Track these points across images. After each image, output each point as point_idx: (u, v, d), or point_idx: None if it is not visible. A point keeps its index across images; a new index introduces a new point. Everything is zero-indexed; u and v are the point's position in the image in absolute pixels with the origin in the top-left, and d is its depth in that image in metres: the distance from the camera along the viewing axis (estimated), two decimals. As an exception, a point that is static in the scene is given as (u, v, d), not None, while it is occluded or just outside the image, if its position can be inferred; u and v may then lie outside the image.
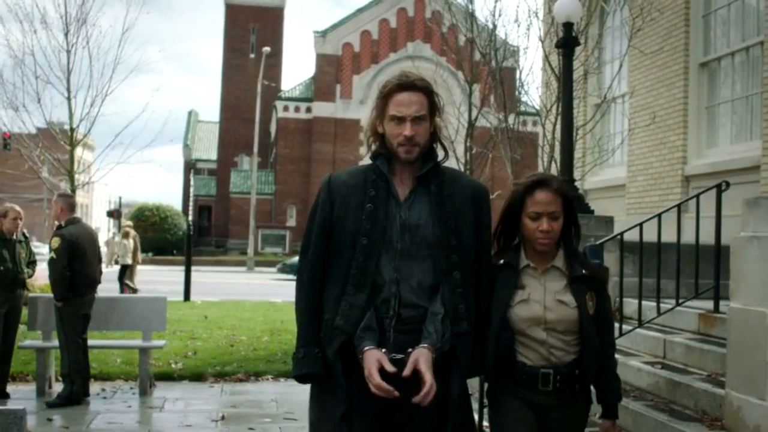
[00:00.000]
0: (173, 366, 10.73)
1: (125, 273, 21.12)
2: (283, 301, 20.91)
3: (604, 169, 14.72)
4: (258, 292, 24.71)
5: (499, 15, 13.22)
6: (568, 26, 9.63)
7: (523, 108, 15.28)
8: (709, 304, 7.68)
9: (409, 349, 3.16)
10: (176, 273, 30.52)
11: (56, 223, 9.17)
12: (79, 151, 17.64)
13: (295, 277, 3.54)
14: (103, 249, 14.56)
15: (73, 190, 16.13)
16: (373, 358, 3.11)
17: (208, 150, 73.98)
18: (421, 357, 3.12)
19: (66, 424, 7.89)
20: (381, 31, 55.05)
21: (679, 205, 7.88)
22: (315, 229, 3.36)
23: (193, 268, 22.85)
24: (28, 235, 9.78)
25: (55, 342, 9.20)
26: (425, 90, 3.34)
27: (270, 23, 65.72)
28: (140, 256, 22.30)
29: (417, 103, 3.29)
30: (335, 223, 3.32)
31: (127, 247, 21.33)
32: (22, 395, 9.09)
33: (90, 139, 18.77)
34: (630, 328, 7.61)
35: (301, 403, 5.42)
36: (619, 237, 7.75)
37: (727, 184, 7.61)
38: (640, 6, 11.90)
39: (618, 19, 14.19)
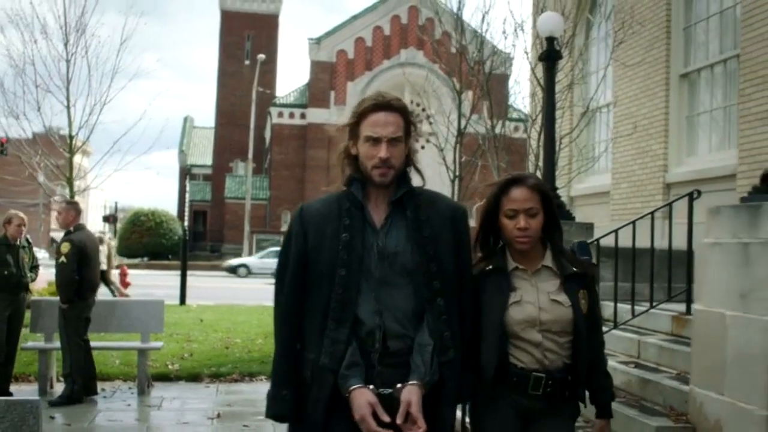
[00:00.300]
0: (170, 367, 11.08)
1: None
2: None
3: (590, 177, 15.10)
4: (252, 297, 25.01)
5: (487, 28, 13.65)
6: (550, 40, 10.04)
7: (513, 115, 15.70)
8: (682, 307, 8.05)
9: (398, 385, 3.05)
10: (172, 277, 30.84)
11: (65, 229, 9.51)
12: (77, 158, 17.94)
13: None
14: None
15: (72, 197, 16.47)
16: (365, 402, 2.98)
17: (203, 155, 74.28)
18: (413, 398, 3.00)
19: (68, 421, 8.25)
20: (375, 38, 55.50)
21: (653, 213, 8.26)
22: (290, 262, 3.24)
23: (189, 272, 23.15)
24: (31, 240, 10.14)
25: (57, 344, 9.57)
26: (402, 111, 3.24)
27: (265, 30, 66.16)
28: (114, 261, 22.67)
29: (393, 124, 3.18)
30: (310, 254, 3.20)
31: (102, 253, 21.67)
32: (24, 395, 9.39)
33: (87, 145, 19.05)
34: (606, 329, 7.97)
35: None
36: (596, 242, 8.14)
37: (699, 193, 8.01)
38: (622, 20, 12.30)
39: (603, 30, 14.61)
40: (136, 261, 49.66)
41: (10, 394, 9.26)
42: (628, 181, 13.36)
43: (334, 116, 54.69)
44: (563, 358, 3.40)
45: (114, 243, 48.27)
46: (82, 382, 9.08)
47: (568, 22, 12.87)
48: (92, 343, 9.66)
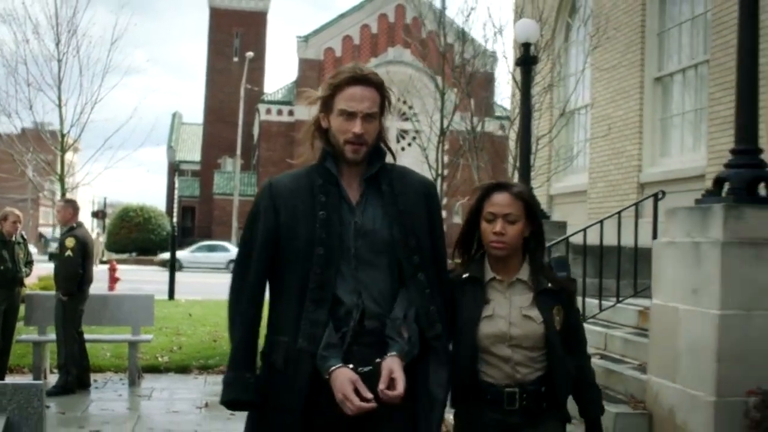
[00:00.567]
0: (160, 359, 11.46)
1: None
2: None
3: (569, 176, 15.53)
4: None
5: (469, 30, 14.07)
6: (526, 46, 10.45)
7: (500, 113, 16.12)
8: (647, 302, 8.42)
9: (377, 359, 2.96)
10: (160, 273, 31.20)
11: (65, 226, 9.91)
12: (68, 155, 18.25)
13: None
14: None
15: (63, 194, 16.81)
16: (347, 380, 2.88)
17: (191, 152, 74.44)
18: (394, 366, 2.92)
19: (62, 410, 8.62)
20: (362, 37, 55.82)
21: (620, 213, 8.71)
22: (257, 240, 3.09)
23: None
24: (25, 237, 10.52)
25: (50, 336, 9.97)
26: (378, 86, 3.12)
27: (253, 27, 66.37)
28: (97, 257, 23.00)
29: (369, 99, 3.07)
30: (282, 232, 3.06)
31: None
32: (19, 385, 9.80)
33: (77, 141, 19.36)
34: (575, 323, 8.42)
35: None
36: (565, 240, 8.57)
37: (663, 194, 8.48)
38: (597, 24, 12.73)
39: (582, 34, 15.03)
40: (125, 256, 49.88)
41: (6, 385, 9.64)
42: (604, 181, 13.79)
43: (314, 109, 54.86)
44: (537, 372, 3.31)
45: (102, 239, 48.61)
46: (76, 374, 9.46)
47: (546, 27, 13.31)
48: (85, 336, 10.02)
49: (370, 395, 2.85)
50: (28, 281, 14.89)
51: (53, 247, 39.34)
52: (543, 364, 3.31)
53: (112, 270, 23.45)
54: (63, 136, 17.29)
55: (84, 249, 9.49)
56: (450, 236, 3.23)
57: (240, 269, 3.14)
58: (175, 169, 74.34)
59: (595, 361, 7.70)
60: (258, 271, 3.08)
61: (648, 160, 12.81)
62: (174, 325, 14.94)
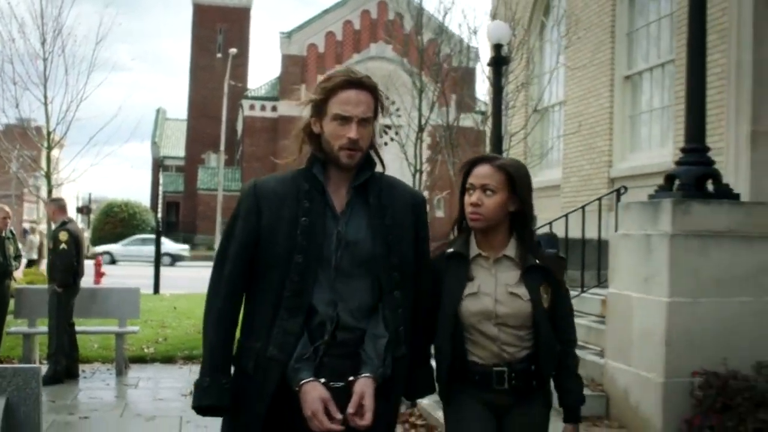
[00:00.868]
0: (146, 350, 11.81)
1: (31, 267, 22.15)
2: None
3: (544, 170, 15.96)
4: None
5: (445, 29, 14.48)
6: (497, 47, 10.87)
7: (480, 109, 16.54)
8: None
9: (350, 378, 2.87)
10: (145, 267, 31.48)
11: (53, 223, 10.33)
12: (54, 151, 18.53)
13: None
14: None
15: (50, 191, 17.11)
16: (317, 397, 2.80)
17: (175, 147, 74.52)
18: (366, 390, 2.83)
19: (52, 398, 8.93)
20: (345, 33, 56.16)
21: (584, 207, 9.14)
22: (237, 240, 3.02)
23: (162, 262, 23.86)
24: (14, 232, 10.89)
25: (40, 328, 10.31)
26: (373, 90, 3.02)
27: (237, 23, 66.58)
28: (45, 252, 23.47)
29: (365, 104, 2.97)
30: (263, 236, 2.97)
31: (33, 243, 22.35)
32: (10, 376, 10.14)
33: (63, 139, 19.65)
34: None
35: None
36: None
37: (625, 189, 8.92)
38: (569, 25, 13.15)
39: (556, 33, 15.46)
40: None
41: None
42: (577, 176, 14.22)
43: (305, 110, 55.14)
44: (524, 350, 3.25)
45: (87, 234, 48.70)
46: (65, 364, 9.82)
47: (519, 28, 13.73)
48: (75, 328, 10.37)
49: (339, 416, 2.78)
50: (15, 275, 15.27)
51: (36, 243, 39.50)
52: (530, 342, 3.24)
53: (98, 265, 23.83)
54: (49, 133, 17.57)
55: (76, 243, 9.86)
56: (433, 229, 3.30)
57: (216, 271, 3.07)
58: (159, 164, 74.48)
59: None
60: (233, 271, 3.01)
61: (618, 155, 13.24)
62: (159, 318, 15.28)
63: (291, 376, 2.84)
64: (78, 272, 9.96)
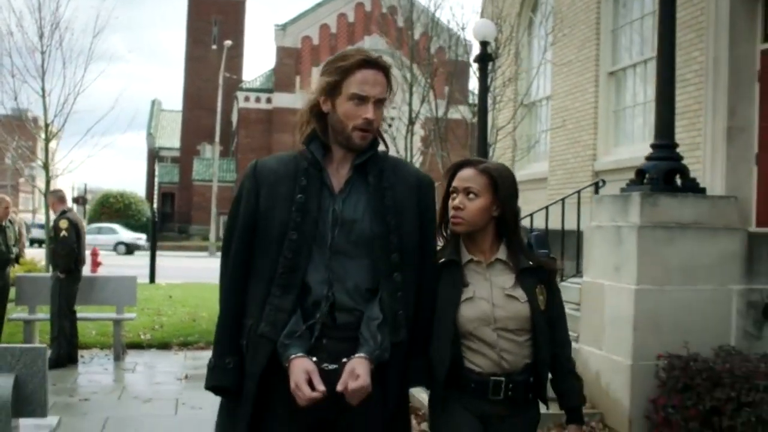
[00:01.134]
0: (142, 337, 12.18)
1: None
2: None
3: (532, 163, 16.32)
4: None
5: (438, 22, 14.82)
6: (484, 44, 11.22)
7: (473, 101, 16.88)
8: (589, 281, 9.33)
9: (344, 359, 2.79)
10: (140, 258, 31.81)
11: (54, 213, 10.68)
12: (51, 143, 18.83)
13: None
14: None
15: (48, 182, 17.43)
16: (302, 369, 2.74)
17: (171, 138, 74.72)
18: (358, 367, 2.75)
19: (53, 382, 9.24)
20: (339, 25, 56.44)
21: (563, 200, 9.52)
22: (238, 223, 2.99)
23: (157, 252, 24.14)
24: (13, 221, 11.25)
25: (40, 315, 10.68)
26: (387, 71, 3.00)
27: (232, 15, 66.78)
28: (26, 241, 23.67)
29: (381, 85, 2.94)
30: (261, 215, 2.94)
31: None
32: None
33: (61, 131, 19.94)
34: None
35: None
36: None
37: (603, 182, 9.30)
38: (553, 24, 13.50)
39: (544, 30, 15.81)
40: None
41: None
42: (563, 169, 14.58)
43: (299, 101, 54.88)
44: (523, 359, 3.17)
45: (83, 224, 49.01)
46: (67, 348, 10.17)
47: (507, 23, 14.08)
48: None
49: (322, 388, 2.70)
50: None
51: (34, 233, 39.80)
52: (530, 350, 3.17)
53: (94, 255, 24.17)
54: (47, 125, 17.85)
55: (76, 230, 10.20)
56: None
57: (225, 246, 3.07)
58: (154, 155, 74.72)
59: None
60: (237, 256, 2.98)
61: (602, 149, 13.60)
62: (155, 306, 15.64)
63: (280, 352, 2.80)
64: (79, 259, 10.30)
